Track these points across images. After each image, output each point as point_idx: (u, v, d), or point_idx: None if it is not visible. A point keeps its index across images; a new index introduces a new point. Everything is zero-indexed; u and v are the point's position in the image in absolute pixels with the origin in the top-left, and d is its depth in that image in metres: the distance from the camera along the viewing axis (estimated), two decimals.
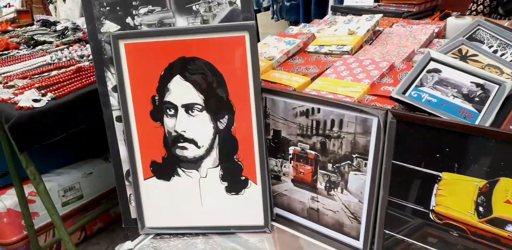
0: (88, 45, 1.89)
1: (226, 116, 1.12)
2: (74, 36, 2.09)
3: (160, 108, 1.13)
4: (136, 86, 1.13)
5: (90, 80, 1.41)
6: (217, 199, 1.17)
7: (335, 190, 1.07)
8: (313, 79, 1.18)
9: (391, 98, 0.98)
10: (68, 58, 1.73)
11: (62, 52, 1.82)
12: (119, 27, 1.13)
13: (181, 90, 1.12)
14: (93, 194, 2.01)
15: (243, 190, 1.15)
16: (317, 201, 1.12)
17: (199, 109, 1.12)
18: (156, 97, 1.13)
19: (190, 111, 1.12)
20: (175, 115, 1.13)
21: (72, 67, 1.59)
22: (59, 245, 1.88)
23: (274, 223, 1.18)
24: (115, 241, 2.00)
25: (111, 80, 1.15)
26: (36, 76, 1.54)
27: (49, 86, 1.41)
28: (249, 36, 1.06)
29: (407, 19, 1.64)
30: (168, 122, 1.14)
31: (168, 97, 1.12)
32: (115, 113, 1.17)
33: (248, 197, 1.15)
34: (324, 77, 1.15)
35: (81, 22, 2.26)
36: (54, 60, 1.71)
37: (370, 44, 1.34)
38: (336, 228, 1.10)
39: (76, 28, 2.29)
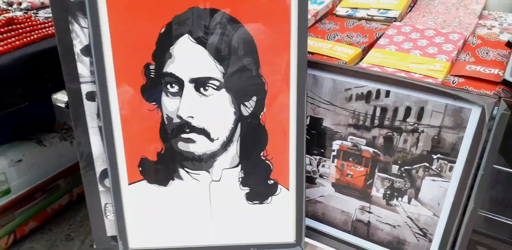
0: None
1: (254, 98, 0.80)
2: None
3: (156, 83, 0.77)
4: (120, 48, 0.75)
5: (32, 38, 0.97)
6: (233, 209, 0.86)
7: (399, 199, 0.82)
8: (363, 50, 0.89)
9: (505, 82, 0.72)
10: None
11: None
12: None
13: (190, 58, 0.76)
14: (23, 187, 1.55)
15: (270, 197, 0.85)
16: (369, 212, 0.86)
17: (215, 87, 0.78)
18: (152, 67, 0.76)
19: (202, 89, 0.78)
20: (179, 93, 0.78)
21: None
22: None
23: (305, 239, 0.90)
24: (55, 244, 1.59)
25: (79, 37, 0.76)
26: None
27: None
28: None
29: None
30: (169, 103, 0.79)
31: (170, 68, 0.76)
32: (86, 88, 0.78)
33: (276, 207, 0.86)
34: (380, 48, 0.87)
35: None
36: None
37: (409, 11, 1.07)
38: (393, 246, 0.85)
39: None
